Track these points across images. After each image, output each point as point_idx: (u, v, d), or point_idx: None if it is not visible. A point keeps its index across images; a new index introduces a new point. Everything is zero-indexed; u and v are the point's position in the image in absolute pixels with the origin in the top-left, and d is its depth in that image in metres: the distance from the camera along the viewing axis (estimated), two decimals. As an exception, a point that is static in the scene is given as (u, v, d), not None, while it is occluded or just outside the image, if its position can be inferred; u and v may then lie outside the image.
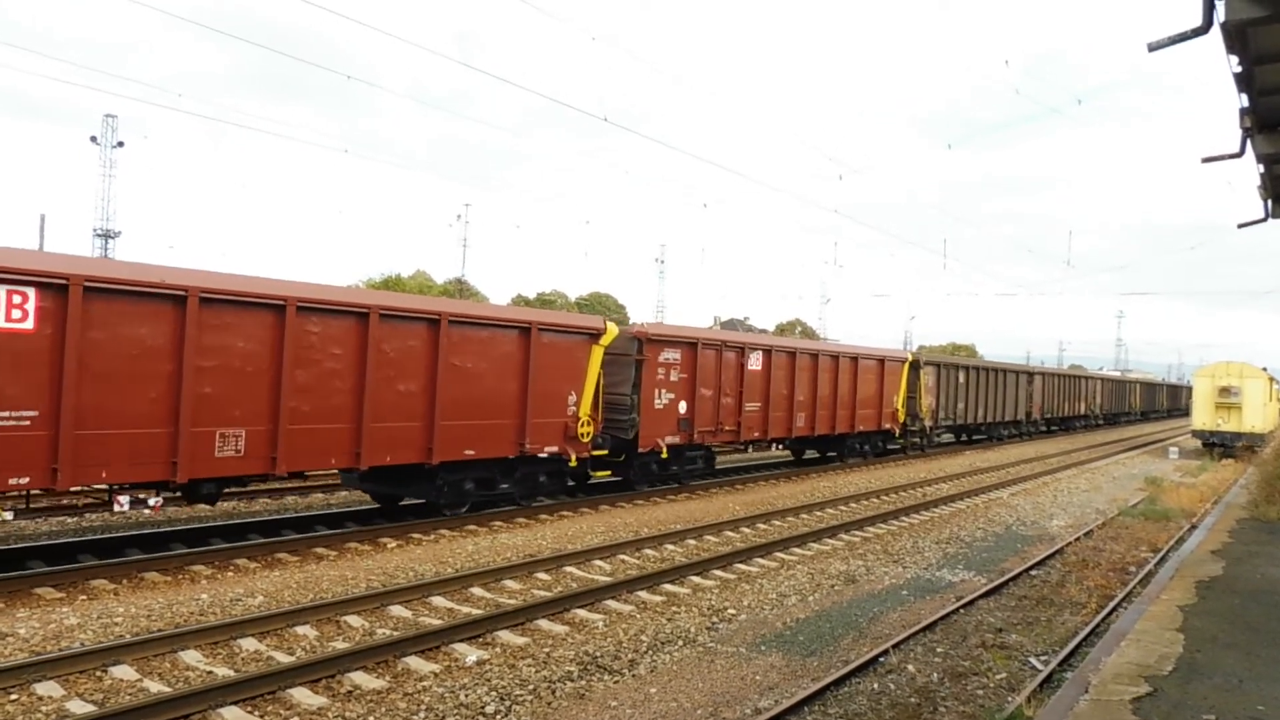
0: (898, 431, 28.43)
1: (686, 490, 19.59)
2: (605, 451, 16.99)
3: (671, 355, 18.36)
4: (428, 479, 13.96)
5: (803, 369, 22.97)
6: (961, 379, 33.40)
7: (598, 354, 16.19)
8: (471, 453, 14.09)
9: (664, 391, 18.17)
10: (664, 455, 18.45)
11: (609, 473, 17.93)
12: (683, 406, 18.71)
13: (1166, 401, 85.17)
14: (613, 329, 16.58)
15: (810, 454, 27.31)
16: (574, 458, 15.88)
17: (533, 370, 14.92)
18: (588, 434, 16.04)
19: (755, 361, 21.15)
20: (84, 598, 9.72)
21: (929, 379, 30.51)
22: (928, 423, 30.52)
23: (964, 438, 38.37)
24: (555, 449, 15.58)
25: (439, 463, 13.58)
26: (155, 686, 7.34)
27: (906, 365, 28.80)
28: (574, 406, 15.87)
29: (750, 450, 25.12)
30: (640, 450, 17.77)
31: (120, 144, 62.94)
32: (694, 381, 18.97)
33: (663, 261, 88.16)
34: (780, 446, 25.55)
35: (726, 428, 20.24)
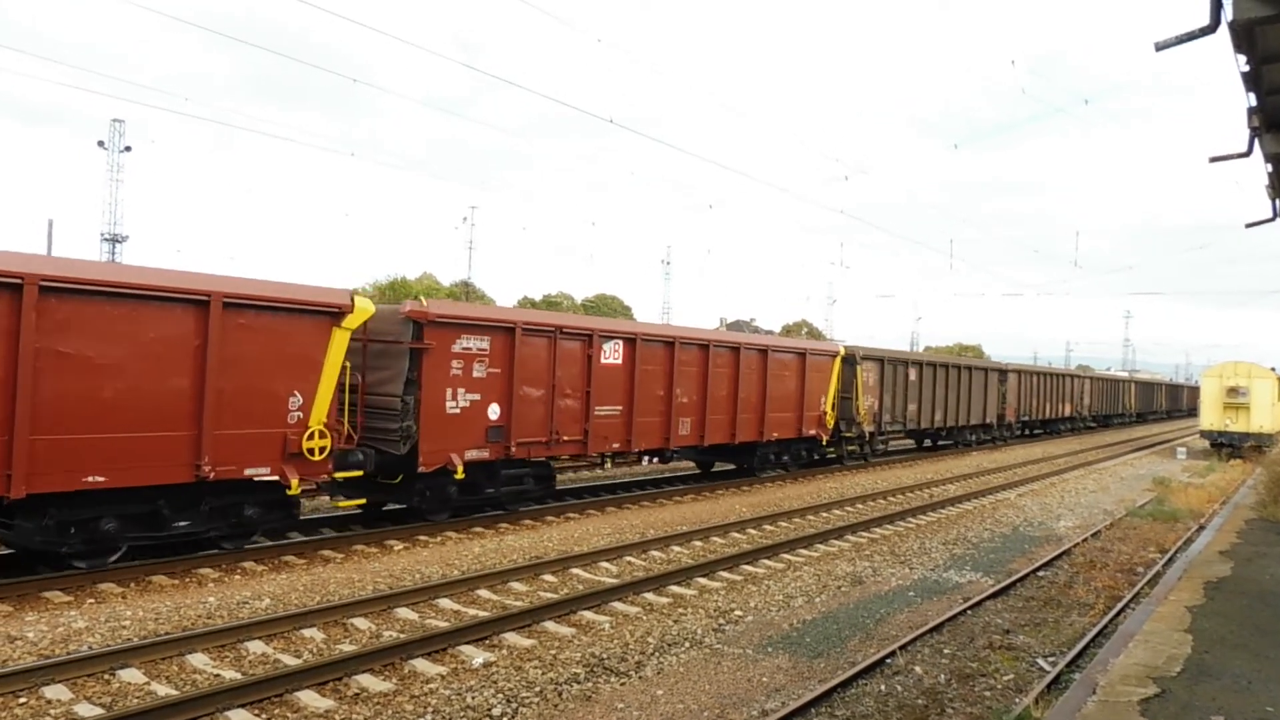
0: (825, 438, 23.75)
1: (692, 492, 19.57)
2: (358, 473, 12.89)
3: (475, 344, 14.18)
4: (24, 516, 9.88)
5: (687, 364, 18.67)
6: (912, 376, 29.17)
7: (340, 340, 12.10)
8: (101, 479, 9.98)
9: (463, 391, 14.02)
10: (459, 475, 13.99)
11: (360, 501, 13.80)
12: (494, 411, 14.51)
13: (1166, 402, 79.32)
14: (366, 307, 12.51)
15: (728, 465, 22.95)
16: (295, 482, 11.71)
17: (213, 360, 10.75)
18: (323, 448, 11.97)
19: (612, 353, 16.76)
20: (92, 601, 9.75)
21: (868, 376, 26.13)
22: (867, 427, 25.94)
23: (927, 443, 34.14)
24: (265, 470, 11.51)
25: (27, 495, 9.43)
26: (163, 689, 7.36)
27: (837, 360, 24.34)
28: (298, 412, 11.74)
29: (609, 465, 19.11)
30: (423, 470, 13.60)
31: (128, 148, 63.20)
32: (511, 378, 14.73)
33: (668, 263, 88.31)
34: (654, 460, 21.51)
35: (566, 437, 15.87)
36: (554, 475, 16.69)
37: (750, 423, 20.86)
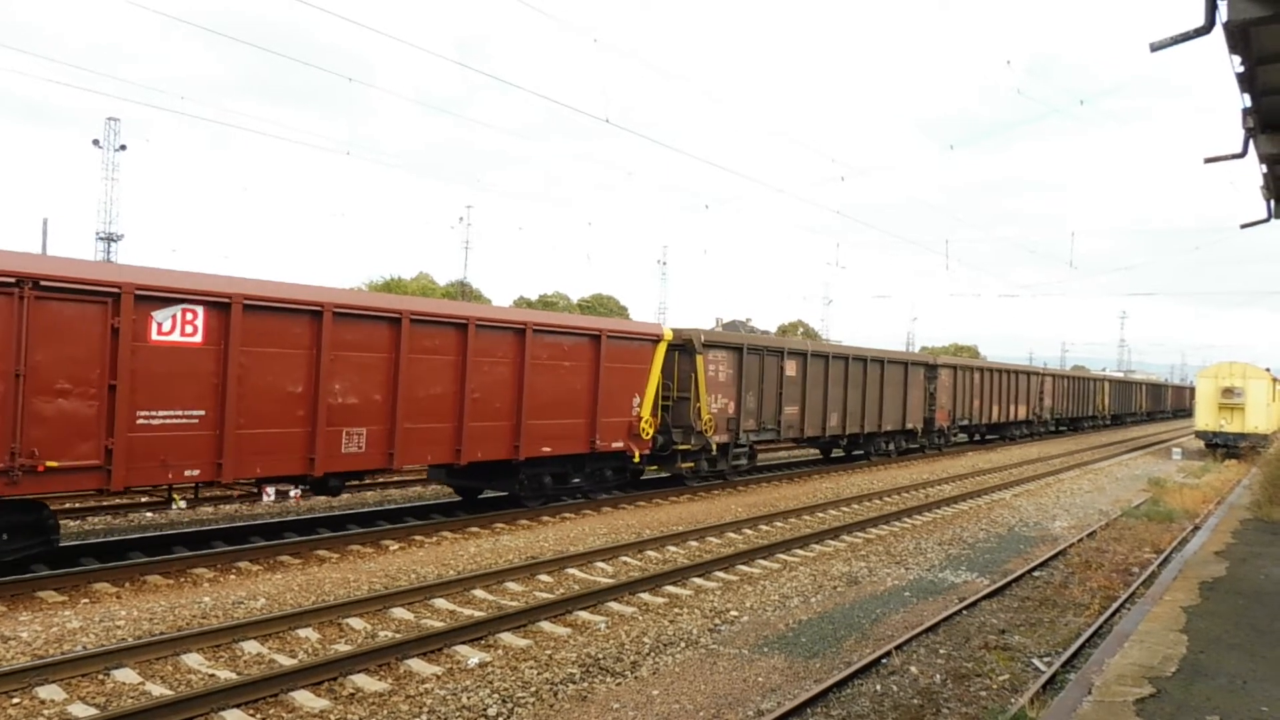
0: (636, 454, 17.64)
1: (689, 493, 19.58)
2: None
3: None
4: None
5: (355, 347, 12.67)
6: (790, 371, 22.87)
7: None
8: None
9: None
10: None
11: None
12: None
13: (1148, 403, 73.46)
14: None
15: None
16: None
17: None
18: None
19: (177, 326, 10.86)
20: (86, 601, 9.73)
21: (717, 370, 20.01)
22: (715, 438, 19.82)
23: (848, 452, 28.75)
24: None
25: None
26: (157, 689, 7.34)
27: (661, 348, 18.26)
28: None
29: (179, 505, 14.49)
30: None
31: (123, 147, 63.04)
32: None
33: (665, 263, 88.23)
34: (299, 490, 14.73)
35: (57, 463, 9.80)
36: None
37: (494, 435, 14.63)
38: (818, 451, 29.27)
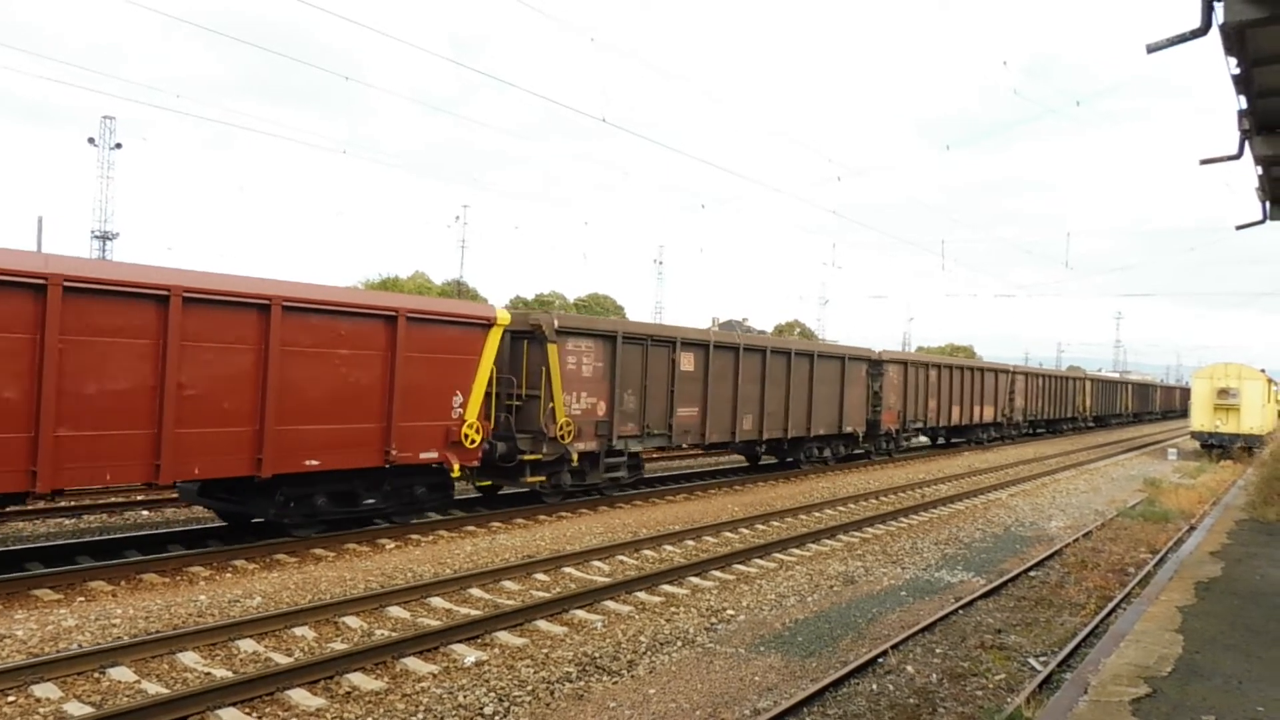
0: (456, 465, 14.01)
1: (685, 491, 19.58)
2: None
3: None
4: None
5: (84, 331, 9.88)
6: (687, 365, 19.19)
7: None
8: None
9: None
10: None
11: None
12: None
13: (1134, 403, 68.14)
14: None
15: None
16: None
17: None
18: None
19: None
20: (82, 599, 9.71)
21: (579, 363, 16.63)
22: (575, 445, 16.34)
23: (782, 460, 24.73)
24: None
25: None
26: (153, 688, 7.33)
27: (494, 335, 14.51)
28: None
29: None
30: None
31: (118, 145, 63.02)
32: None
33: (661, 263, 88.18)
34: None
35: None
36: None
37: (223, 444, 11.11)
38: (743, 459, 25.42)
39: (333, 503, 13.04)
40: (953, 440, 36.99)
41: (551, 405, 15.82)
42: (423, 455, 13.50)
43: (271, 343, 11.45)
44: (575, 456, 16.42)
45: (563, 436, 15.94)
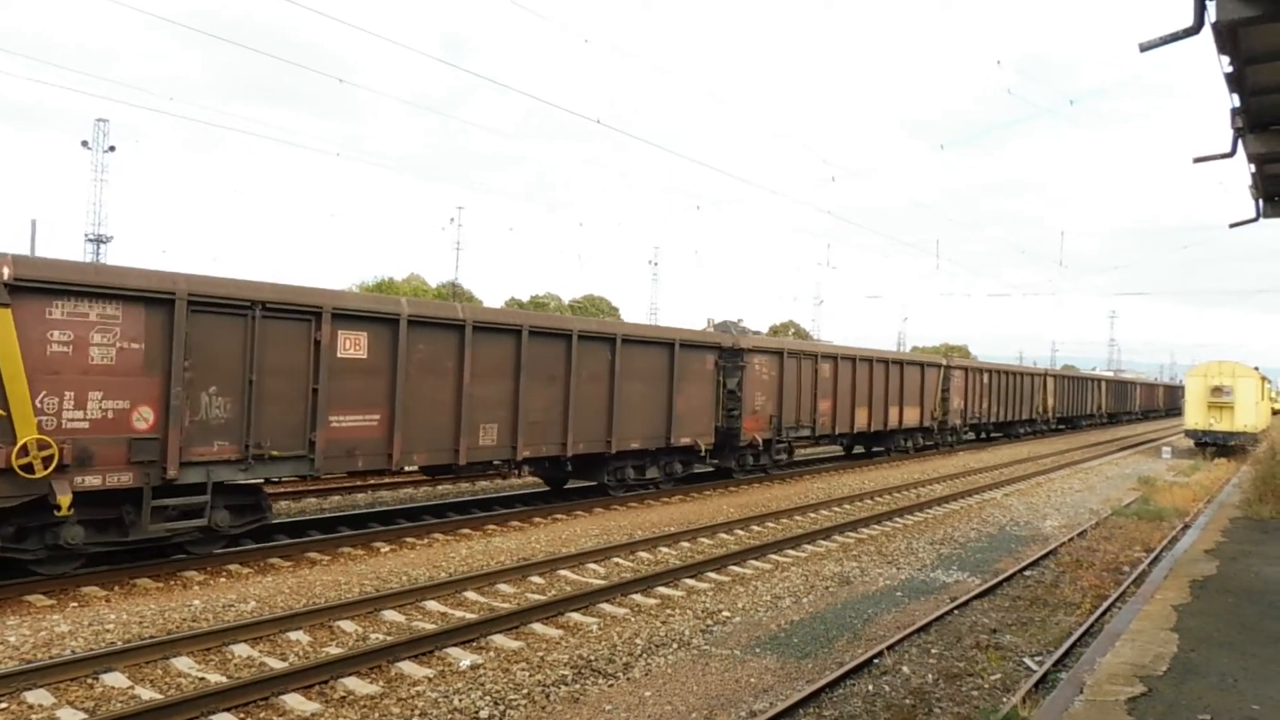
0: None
1: (680, 493, 19.58)
2: None
3: None
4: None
5: None
6: (351, 350, 12.54)
7: None
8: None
9: None
10: None
11: None
12: None
13: (1110, 402, 61.65)
14: None
15: None
16: None
17: None
18: None
19: None
20: (75, 604, 9.66)
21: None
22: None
23: (599, 483, 17.91)
24: None
25: None
26: (147, 693, 7.30)
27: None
28: None
29: None
30: None
31: (112, 148, 62.84)
32: None
33: (656, 264, 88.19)
34: None
35: None
36: None
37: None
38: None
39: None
40: (873, 450, 31.17)
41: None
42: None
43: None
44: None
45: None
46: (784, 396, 22.71)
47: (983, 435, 41.15)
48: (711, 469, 21.71)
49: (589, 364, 16.60)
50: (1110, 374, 75.08)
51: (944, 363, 33.86)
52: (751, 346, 21.62)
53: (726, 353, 20.80)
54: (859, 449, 31.23)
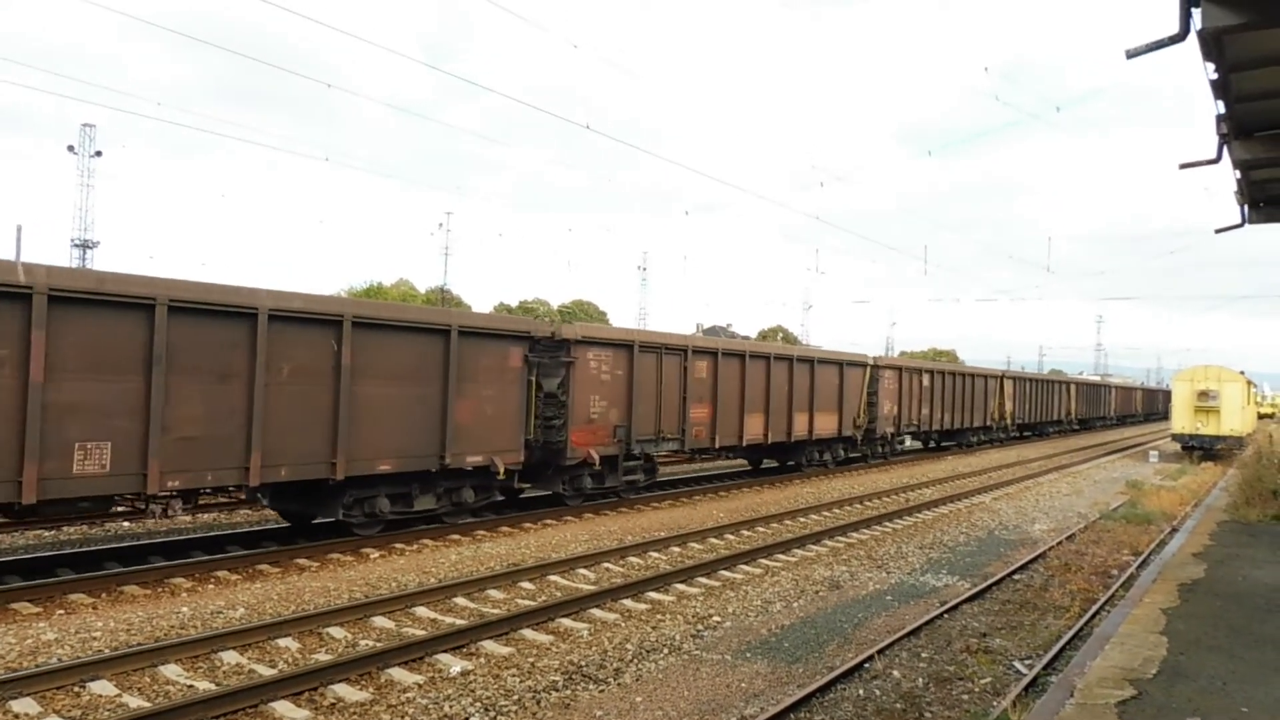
0: None
1: (670, 498, 19.57)
2: None
3: None
4: None
5: None
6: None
7: None
8: None
9: None
10: None
11: None
12: None
13: (1080, 407, 55.56)
14: None
15: None
16: None
17: None
18: None
19: None
20: (62, 612, 9.60)
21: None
22: None
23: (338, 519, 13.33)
24: None
25: None
26: (135, 701, 7.25)
27: None
28: None
29: None
30: None
31: (98, 153, 62.62)
32: None
33: (644, 269, 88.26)
34: None
35: None
36: None
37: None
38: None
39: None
40: (787, 464, 26.23)
41: None
42: None
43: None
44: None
45: None
46: (636, 401, 18.04)
47: (931, 445, 37.52)
48: (498, 496, 16.30)
49: (296, 356, 12.17)
50: (1078, 376, 71.85)
51: (869, 361, 29.01)
52: (581, 337, 17.00)
53: (541, 345, 16.29)
54: (773, 463, 26.41)
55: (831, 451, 27.27)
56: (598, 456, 17.09)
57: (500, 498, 16.57)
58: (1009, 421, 42.79)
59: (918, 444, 36.61)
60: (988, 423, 39.87)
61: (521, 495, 17.29)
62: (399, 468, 13.52)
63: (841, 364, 26.81)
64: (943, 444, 37.96)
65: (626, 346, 18.09)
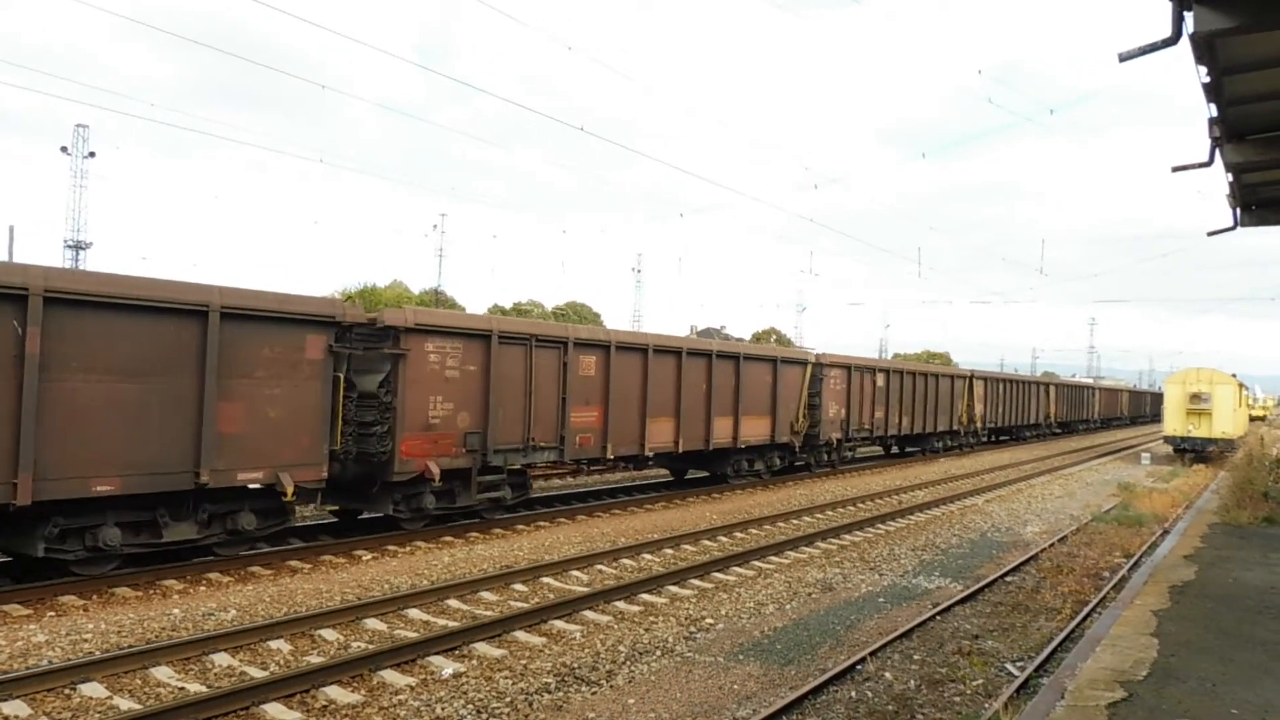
0: None
1: (664, 500, 19.56)
2: None
3: None
4: None
5: None
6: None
7: None
8: None
9: None
10: None
11: None
12: None
13: (1058, 410, 51.61)
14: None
15: None
16: None
17: None
18: None
19: None
20: (52, 614, 9.56)
21: None
22: None
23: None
24: None
25: None
26: (125, 704, 7.22)
27: None
28: None
29: None
30: None
31: (91, 154, 62.46)
32: None
33: (639, 271, 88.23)
34: None
35: None
36: None
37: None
38: None
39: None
40: (716, 473, 22.77)
41: None
42: None
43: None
44: None
45: None
46: (496, 404, 15.08)
47: (892, 450, 35.10)
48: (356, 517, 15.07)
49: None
50: (1060, 378, 68.41)
51: (810, 358, 25.86)
52: (414, 324, 13.78)
53: (355, 334, 13.30)
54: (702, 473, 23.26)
55: (765, 460, 24.06)
56: (438, 470, 13.94)
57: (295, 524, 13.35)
58: (979, 425, 39.89)
59: (878, 450, 34.23)
60: (954, 427, 36.78)
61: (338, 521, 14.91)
62: (131, 488, 10.44)
63: (775, 361, 23.84)
64: (907, 450, 35.50)
65: (482, 337, 14.90)
